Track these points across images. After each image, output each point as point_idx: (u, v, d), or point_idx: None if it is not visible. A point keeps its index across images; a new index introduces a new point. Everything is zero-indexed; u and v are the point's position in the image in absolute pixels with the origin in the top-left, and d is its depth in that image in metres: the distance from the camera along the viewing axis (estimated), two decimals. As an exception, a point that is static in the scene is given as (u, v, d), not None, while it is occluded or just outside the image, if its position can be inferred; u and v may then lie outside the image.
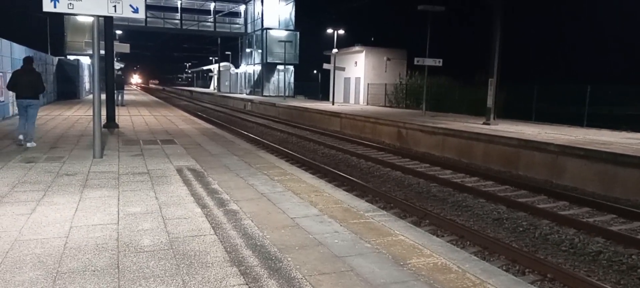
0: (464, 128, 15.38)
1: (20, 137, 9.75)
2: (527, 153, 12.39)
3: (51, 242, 4.16)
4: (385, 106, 30.22)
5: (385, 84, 31.35)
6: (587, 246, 7.04)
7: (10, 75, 10.44)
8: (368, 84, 33.08)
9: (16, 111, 12.31)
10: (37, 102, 9.87)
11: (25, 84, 9.59)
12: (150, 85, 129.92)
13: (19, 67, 10.25)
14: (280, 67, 47.98)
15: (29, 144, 9.60)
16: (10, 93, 12.95)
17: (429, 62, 23.12)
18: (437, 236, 6.72)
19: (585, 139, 12.93)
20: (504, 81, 18.44)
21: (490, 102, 17.25)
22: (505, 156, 13.04)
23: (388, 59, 33.55)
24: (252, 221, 4.93)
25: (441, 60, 23.27)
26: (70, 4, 7.72)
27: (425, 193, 10.20)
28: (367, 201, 6.81)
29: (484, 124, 16.99)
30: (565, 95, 19.15)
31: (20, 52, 17.75)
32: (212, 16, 54.93)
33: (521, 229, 7.82)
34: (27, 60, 9.85)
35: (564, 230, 7.66)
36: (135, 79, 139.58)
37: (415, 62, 23.81)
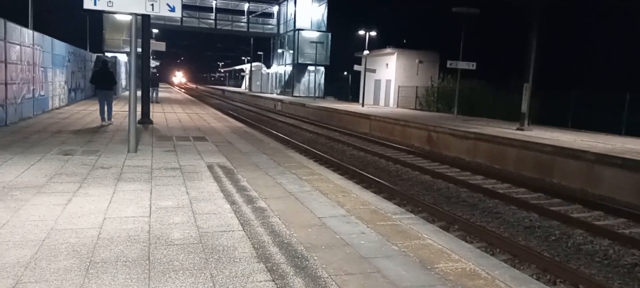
0: (496, 133, 15.10)
1: (102, 119, 13.36)
2: (562, 161, 12.06)
3: (85, 232, 4.29)
4: (415, 109, 29.95)
5: (416, 87, 31.07)
6: (622, 258, 6.82)
7: (92, 73, 14.91)
8: (399, 87, 32.85)
9: (56, 105, 16.91)
10: (111, 91, 13.74)
11: (104, 79, 13.47)
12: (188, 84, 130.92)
13: (97, 67, 15.26)
14: (311, 68, 48.20)
15: (108, 121, 13.43)
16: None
17: (462, 65, 22.81)
18: (467, 241, 6.61)
19: (624, 148, 12.51)
20: (540, 86, 17.99)
21: (524, 107, 16.86)
22: (539, 163, 12.73)
23: (420, 62, 33.23)
24: (279, 219, 4.97)
25: (475, 64, 22.91)
26: (110, 1, 7.95)
27: (454, 198, 10.05)
28: (394, 204, 6.76)
29: (517, 129, 16.63)
30: (603, 103, 18.55)
31: (61, 48, 18.39)
32: (245, 16, 55.58)
33: (553, 238, 7.63)
34: (104, 63, 14.26)
35: (598, 241, 7.43)
36: (178, 77, 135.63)
37: (448, 65, 23.54)
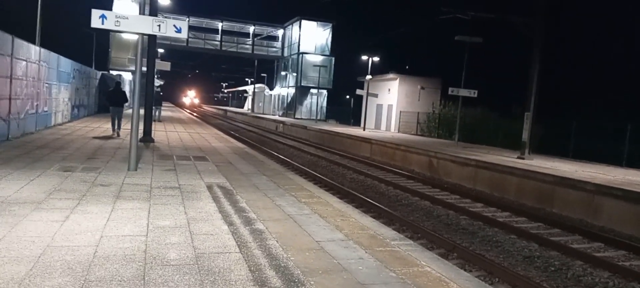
0: (497, 161, 15.09)
1: (113, 130, 15.43)
2: (563, 191, 12.03)
3: (81, 250, 4.27)
4: (416, 134, 30.00)
5: (418, 113, 31.18)
6: (623, 291, 6.74)
7: (107, 93, 16.87)
8: (400, 112, 32.97)
9: (58, 121, 17.59)
10: (122, 108, 15.82)
11: (117, 97, 15.59)
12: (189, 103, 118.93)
13: (111, 87, 17.18)
14: (314, 91, 48.43)
15: (121, 134, 15.33)
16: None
17: (464, 92, 22.90)
18: (465, 270, 6.55)
19: (624, 180, 12.47)
20: (541, 115, 18.02)
21: (525, 136, 16.88)
22: (540, 192, 12.69)
23: (422, 88, 33.42)
24: (277, 241, 4.95)
25: (476, 92, 23.02)
26: (118, 21, 8.06)
27: (454, 225, 10.00)
28: (393, 229, 6.73)
29: (518, 158, 16.62)
30: (604, 133, 18.55)
31: (66, 65, 18.56)
32: (250, 39, 56.13)
33: (553, 269, 7.56)
34: (117, 84, 16.48)
35: (598, 273, 7.36)
36: (190, 97, 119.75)
37: (450, 92, 23.64)
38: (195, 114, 50.70)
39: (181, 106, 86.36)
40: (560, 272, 7.42)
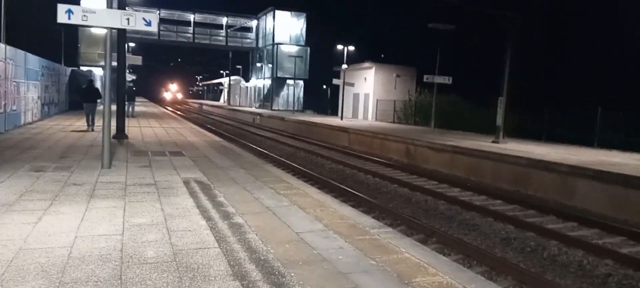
0: (473, 146, 15.29)
1: (88, 126, 15.89)
2: (537, 173, 12.27)
3: (55, 252, 4.17)
4: (394, 122, 30.20)
5: (394, 101, 31.36)
6: (596, 268, 6.93)
7: (80, 90, 18.02)
8: (377, 100, 33.11)
9: (28, 120, 17.33)
10: (95, 105, 16.26)
11: (90, 94, 16.01)
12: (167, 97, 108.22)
13: (85, 84, 17.59)
14: (290, 82, 48.26)
15: (95, 128, 15.55)
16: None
17: (439, 79, 23.14)
18: (444, 255, 6.63)
19: (596, 160, 12.79)
20: (516, 101, 18.33)
21: (499, 120, 17.15)
22: (515, 175, 12.93)
23: (397, 76, 33.60)
24: (256, 235, 4.91)
25: (451, 78, 23.26)
26: (85, 16, 7.85)
27: (432, 210, 10.12)
28: (373, 217, 6.77)
29: (493, 142, 16.88)
30: (576, 117, 18.98)
31: (34, 62, 18.04)
32: (224, 31, 55.48)
33: (529, 249, 7.72)
34: (90, 81, 17.18)
35: (572, 252, 7.55)
36: (171, 92, 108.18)
37: (425, 80, 23.87)
38: (170, 109, 49.71)
39: (161, 102, 76.59)
40: (536, 253, 7.58)
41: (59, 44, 36.58)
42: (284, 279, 3.79)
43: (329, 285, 3.73)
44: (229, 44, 56.39)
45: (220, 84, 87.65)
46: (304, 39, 50.74)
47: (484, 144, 16.36)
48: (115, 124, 12.37)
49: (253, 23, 56.37)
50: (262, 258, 4.25)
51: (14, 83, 15.16)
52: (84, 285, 3.50)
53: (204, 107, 65.76)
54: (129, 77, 35.90)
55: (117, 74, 13.64)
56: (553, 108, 19.68)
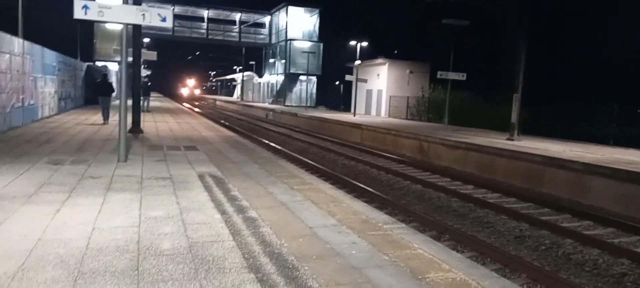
0: (486, 143, 15.19)
1: (104, 119, 16.37)
2: (552, 171, 12.16)
3: (74, 243, 4.25)
4: (406, 119, 30.08)
5: (407, 97, 31.23)
6: (611, 267, 6.86)
7: (94, 84, 18.85)
8: (390, 96, 33.00)
9: (45, 114, 17.59)
10: (110, 98, 16.86)
11: (104, 88, 16.57)
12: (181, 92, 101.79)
13: (99, 78, 17.98)
14: (303, 78, 48.27)
15: (110, 122, 16.12)
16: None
17: (452, 75, 22.98)
18: (457, 251, 6.62)
19: (612, 158, 12.63)
20: (530, 98, 18.17)
21: (514, 117, 17.01)
22: (529, 173, 12.82)
23: (411, 72, 33.44)
24: (270, 229, 4.95)
25: (465, 74, 23.09)
26: (101, 11, 7.94)
27: (445, 207, 10.08)
28: (386, 213, 6.77)
29: (507, 139, 16.75)
30: (592, 114, 18.76)
31: (51, 57, 18.29)
32: (237, 27, 55.65)
33: (544, 248, 7.66)
34: (104, 75, 17.82)
35: (587, 251, 7.48)
36: (188, 87, 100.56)
37: (438, 76, 23.70)
38: (184, 104, 50.00)
39: (177, 98, 73.27)
40: (551, 251, 7.53)
41: (75, 39, 37.03)
42: (297, 273, 3.82)
43: (342, 279, 3.75)
44: (242, 39, 56.49)
45: (234, 79, 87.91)
46: (317, 35, 50.70)
47: (498, 141, 16.24)
48: (130, 119, 12.52)
49: (266, 19, 56.44)
50: (275, 251, 4.28)
51: (32, 78, 15.38)
52: (102, 275, 3.56)
53: (218, 103, 66.07)
54: (144, 72, 36.16)
55: (132, 69, 13.78)
56: (568, 105, 19.45)
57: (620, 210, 10.20)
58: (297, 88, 50.58)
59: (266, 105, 49.47)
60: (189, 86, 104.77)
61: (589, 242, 7.75)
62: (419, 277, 3.87)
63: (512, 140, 16.61)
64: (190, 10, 54.04)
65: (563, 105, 19.43)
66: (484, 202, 10.17)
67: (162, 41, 57.62)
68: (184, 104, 53.45)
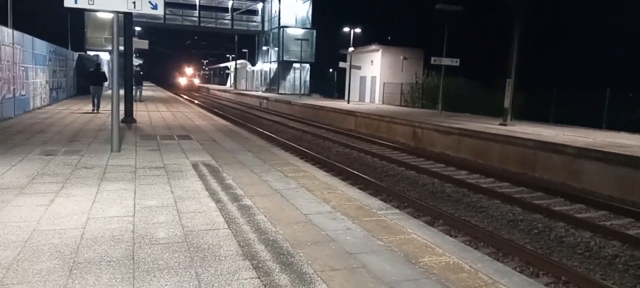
0: (480, 128, 15.25)
1: (93, 107, 16.81)
2: (544, 155, 12.24)
3: (68, 233, 4.25)
4: (400, 105, 30.11)
5: (401, 83, 31.23)
6: (603, 249, 6.95)
7: (87, 73, 18.59)
8: (384, 83, 32.98)
9: (37, 105, 17.49)
10: (101, 87, 17.14)
11: (97, 77, 16.98)
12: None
13: (92, 68, 18.33)
14: (296, 65, 48.09)
15: (101, 112, 16.36)
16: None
17: (446, 61, 22.97)
18: (451, 236, 6.67)
19: (604, 142, 12.73)
20: (523, 83, 18.21)
21: (507, 102, 17.07)
22: (522, 158, 12.91)
23: (404, 58, 33.41)
24: (265, 216, 4.97)
25: (458, 60, 23.09)
26: (91, 0, 7.85)
27: (439, 193, 10.15)
28: (380, 199, 6.81)
29: (500, 124, 16.83)
30: (584, 99, 18.84)
31: (41, 47, 18.10)
32: (229, 14, 55.22)
33: (536, 231, 7.75)
34: (97, 65, 17.94)
35: (579, 233, 7.57)
36: (186, 77, 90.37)
37: (432, 62, 23.68)
38: (176, 94, 49.68)
39: (171, 88, 67.88)
40: (544, 234, 7.61)
41: (66, 29, 36.63)
42: (293, 259, 3.85)
43: (337, 264, 3.79)
44: (234, 27, 56.08)
45: (227, 68, 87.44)
46: (310, 21, 50.42)
47: (492, 126, 16.31)
48: (123, 108, 12.46)
49: (259, 6, 56.03)
50: (271, 238, 4.31)
51: (22, 68, 15.24)
52: (97, 265, 3.57)
53: (211, 91, 65.76)
54: (136, 61, 35.96)
55: (124, 58, 13.67)
56: (561, 89, 19.53)
57: (612, 193, 10.31)
58: (291, 76, 50.41)
59: (260, 93, 49.33)
60: (187, 75, 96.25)
61: (581, 225, 7.84)
62: (413, 261, 3.91)
63: (505, 125, 16.69)
64: (181, -2, 53.54)
65: (556, 90, 19.47)
66: (477, 187, 10.24)
67: (153, 29, 57.10)
68: (182, 95, 51.86)
